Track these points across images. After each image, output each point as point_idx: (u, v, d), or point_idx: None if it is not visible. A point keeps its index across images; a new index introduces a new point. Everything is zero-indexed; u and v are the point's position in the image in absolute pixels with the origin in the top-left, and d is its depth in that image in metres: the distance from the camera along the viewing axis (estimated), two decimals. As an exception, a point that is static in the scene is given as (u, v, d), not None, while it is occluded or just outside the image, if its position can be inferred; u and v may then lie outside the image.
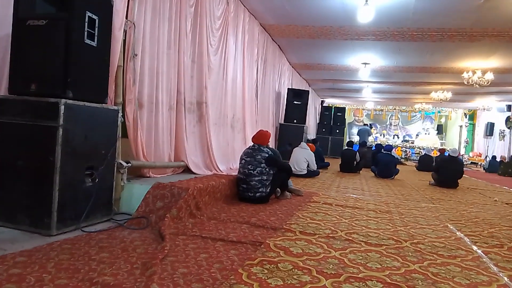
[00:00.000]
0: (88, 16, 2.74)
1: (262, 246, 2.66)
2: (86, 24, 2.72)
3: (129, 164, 3.44)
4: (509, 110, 15.56)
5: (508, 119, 15.45)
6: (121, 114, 3.23)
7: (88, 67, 2.82)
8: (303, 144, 7.73)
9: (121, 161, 3.33)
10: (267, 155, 4.43)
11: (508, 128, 15.60)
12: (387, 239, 3.14)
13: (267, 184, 4.39)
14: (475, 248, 3.10)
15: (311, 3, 6.24)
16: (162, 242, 2.56)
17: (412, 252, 2.84)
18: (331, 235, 3.11)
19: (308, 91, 10.85)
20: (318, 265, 2.36)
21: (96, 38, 2.82)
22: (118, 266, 2.11)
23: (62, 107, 2.56)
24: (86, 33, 2.73)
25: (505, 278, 2.40)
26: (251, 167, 4.38)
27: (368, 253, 2.72)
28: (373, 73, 11.24)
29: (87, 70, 2.82)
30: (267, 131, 4.76)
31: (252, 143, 4.62)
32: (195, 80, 4.89)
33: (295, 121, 10.05)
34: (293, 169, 6.70)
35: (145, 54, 3.80)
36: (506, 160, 13.99)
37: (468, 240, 3.35)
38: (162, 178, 4.02)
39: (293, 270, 2.24)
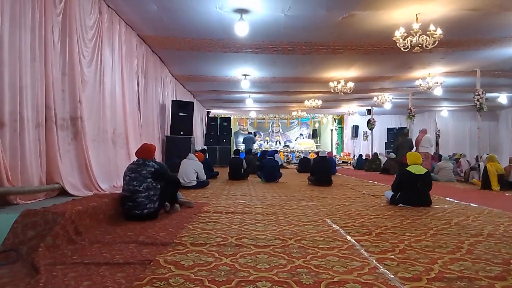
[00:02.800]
0: None
1: (152, 264, 2.58)
2: None
3: (-10, 192, 3.02)
4: (369, 114, 17.98)
5: (369, 121, 17.81)
6: (-24, 135, 2.82)
7: None
8: (191, 155, 7.70)
9: (-21, 189, 2.90)
10: (153, 169, 4.29)
11: (370, 129, 17.99)
12: (274, 239, 3.32)
13: (155, 199, 4.26)
14: (349, 238, 3.47)
15: (189, 16, 6.30)
16: (37, 275, 2.30)
17: (296, 248, 3.05)
18: (222, 243, 3.16)
19: (192, 102, 10.91)
20: (210, 275, 2.38)
21: None
22: (-19, 311, 1.83)
23: None
24: None
25: (374, 261, 2.74)
26: (136, 183, 4.20)
27: (257, 255, 2.84)
28: (253, 84, 11.81)
29: None
30: (152, 144, 4.62)
31: (136, 158, 4.45)
32: (67, 94, 4.52)
33: (181, 132, 10.00)
34: (182, 181, 6.63)
35: (4, 66, 3.39)
36: (370, 158, 16.00)
37: (343, 231, 3.73)
38: (33, 204, 3.62)
39: (185, 283, 2.22)
